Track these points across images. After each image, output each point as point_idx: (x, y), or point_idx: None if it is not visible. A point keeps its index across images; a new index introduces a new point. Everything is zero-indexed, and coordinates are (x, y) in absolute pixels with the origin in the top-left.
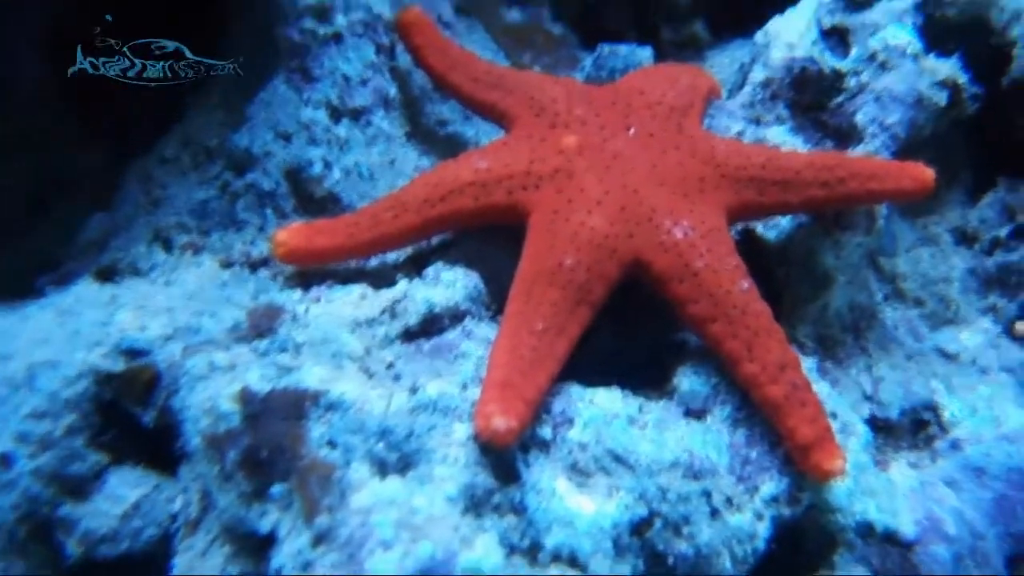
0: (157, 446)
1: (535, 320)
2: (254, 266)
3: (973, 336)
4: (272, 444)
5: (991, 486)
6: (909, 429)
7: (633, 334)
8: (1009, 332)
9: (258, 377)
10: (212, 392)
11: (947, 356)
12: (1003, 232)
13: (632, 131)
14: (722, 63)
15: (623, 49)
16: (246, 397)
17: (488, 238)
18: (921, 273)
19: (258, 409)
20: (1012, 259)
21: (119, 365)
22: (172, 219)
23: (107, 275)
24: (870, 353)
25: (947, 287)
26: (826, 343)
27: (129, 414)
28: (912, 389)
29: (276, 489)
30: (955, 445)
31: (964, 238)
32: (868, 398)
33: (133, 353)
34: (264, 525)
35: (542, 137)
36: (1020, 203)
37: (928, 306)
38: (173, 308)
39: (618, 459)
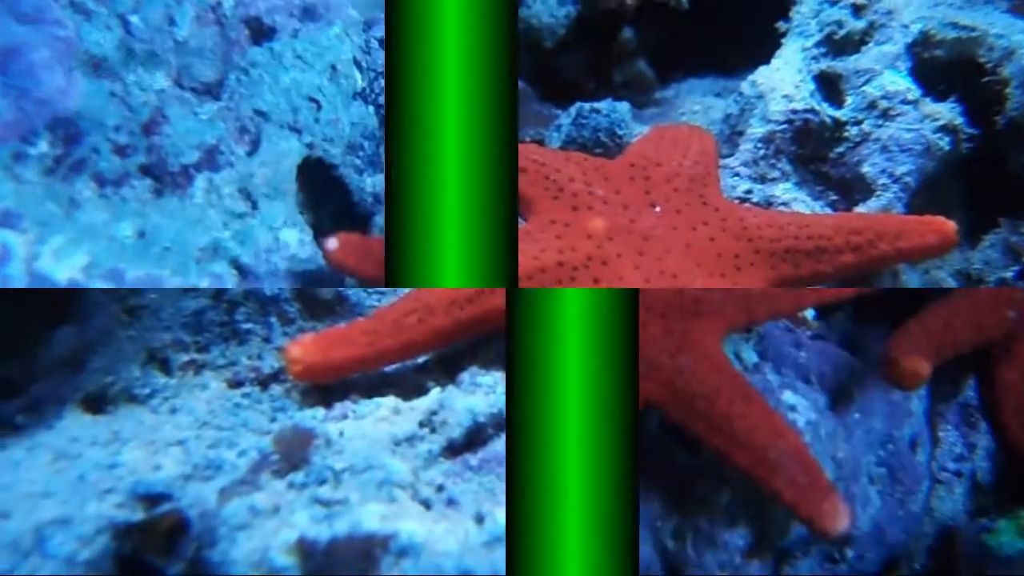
0: None
1: None
2: (264, 383)
3: None
4: None
5: None
6: None
7: None
8: None
9: (308, 520)
10: (260, 543)
11: None
12: (1009, 274)
13: (657, 208)
14: (692, 109)
15: (603, 106)
16: (304, 548)
17: None
18: None
19: (321, 562)
20: None
21: (137, 514)
22: (166, 336)
23: (98, 405)
24: None
25: None
26: None
27: (152, 568)
28: None
29: None
30: None
31: (969, 281)
32: None
33: (151, 499)
34: None
35: (566, 222)
36: None
37: None
38: (185, 440)
39: None
